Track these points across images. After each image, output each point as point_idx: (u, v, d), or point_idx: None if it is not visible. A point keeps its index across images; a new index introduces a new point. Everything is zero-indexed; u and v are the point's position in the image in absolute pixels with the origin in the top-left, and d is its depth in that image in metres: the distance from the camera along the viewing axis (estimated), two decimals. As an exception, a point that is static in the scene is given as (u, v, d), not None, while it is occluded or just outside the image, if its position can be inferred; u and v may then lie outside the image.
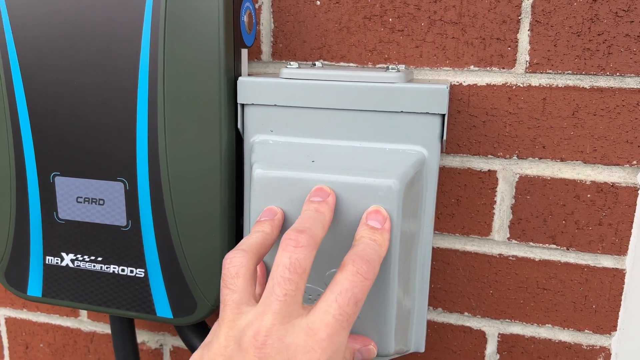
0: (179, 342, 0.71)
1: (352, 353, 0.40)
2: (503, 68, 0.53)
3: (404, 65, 0.51)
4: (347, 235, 0.42)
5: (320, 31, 0.57)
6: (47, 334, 0.77)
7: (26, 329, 0.77)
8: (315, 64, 0.54)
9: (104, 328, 0.74)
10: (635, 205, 0.53)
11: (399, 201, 0.41)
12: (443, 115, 0.44)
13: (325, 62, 0.57)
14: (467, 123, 0.55)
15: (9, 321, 0.78)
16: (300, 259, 0.33)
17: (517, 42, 0.52)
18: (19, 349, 0.79)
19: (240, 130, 0.49)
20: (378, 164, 0.44)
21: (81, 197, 0.52)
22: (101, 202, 0.51)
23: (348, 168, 0.43)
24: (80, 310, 0.74)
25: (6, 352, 0.80)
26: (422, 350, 0.49)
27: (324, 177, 0.42)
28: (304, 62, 0.58)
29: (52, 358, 0.77)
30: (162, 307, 0.53)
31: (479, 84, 0.54)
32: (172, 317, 0.52)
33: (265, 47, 0.59)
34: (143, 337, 0.73)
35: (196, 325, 0.59)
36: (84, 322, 0.74)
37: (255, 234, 0.40)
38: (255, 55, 0.59)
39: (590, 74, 0.51)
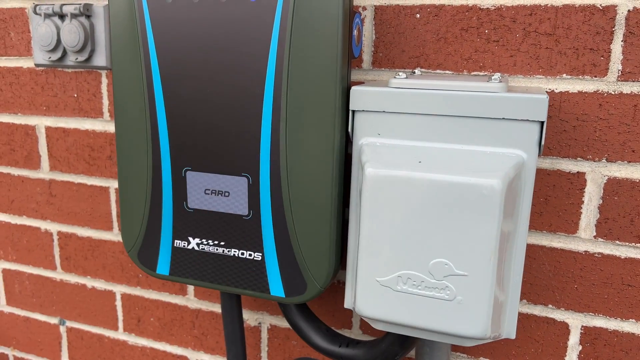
0: (276, 321, 0.79)
1: None
2: (595, 76, 0.56)
3: (499, 74, 0.56)
4: (451, 229, 0.47)
5: (419, 41, 0.62)
6: (157, 310, 0.86)
7: (139, 304, 0.87)
8: (414, 72, 0.60)
9: (208, 306, 0.82)
10: None
11: (501, 200, 0.46)
12: (542, 122, 0.48)
13: (423, 70, 0.62)
14: (558, 127, 0.59)
15: (124, 297, 0.88)
16: None
17: (610, 52, 0.55)
18: (132, 322, 0.89)
19: (350, 133, 0.55)
20: (481, 165, 0.48)
21: (209, 190, 0.60)
22: (226, 194, 0.59)
23: (453, 168, 0.48)
24: (187, 289, 0.83)
25: (120, 324, 0.90)
26: (513, 337, 0.54)
27: (431, 176, 0.48)
28: (403, 70, 0.63)
29: (161, 331, 0.87)
30: (276, 287, 0.60)
31: (570, 91, 0.58)
32: (284, 296, 0.60)
33: (366, 56, 0.65)
34: (244, 315, 0.81)
35: (301, 305, 0.66)
36: (190, 300, 0.83)
37: None
38: (356, 63, 0.65)
39: (683, 83, 0.54)
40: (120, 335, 0.91)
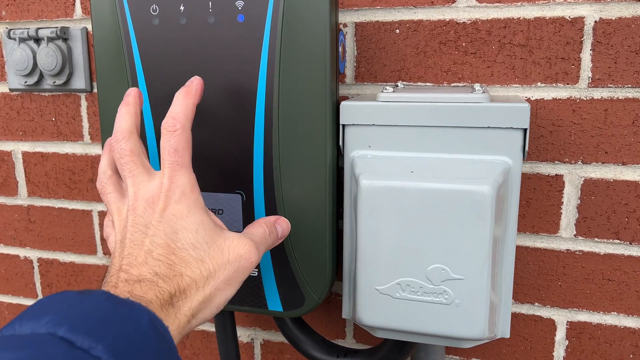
0: (269, 336, 0.79)
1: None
2: (568, 84, 0.60)
3: (480, 84, 0.58)
4: (446, 235, 0.49)
5: (400, 55, 0.64)
6: (145, 332, 0.85)
7: (126, 328, 0.86)
8: (397, 85, 0.62)
9: (199, 325, 0.82)
10: (692, 202, 0.59)
11: (491, 205, 0.48)
12: (525, 130, 0.51)
13: (405, 83, 0.65)
14: (535, 133, 0.62)
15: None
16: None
17: (580, 60, 0.59)
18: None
19: (341, 146, 0.57)
20: (470, 173, 0.51)
21: (202, 208, 0.60)
22: (220, 211, 0.59)
23: (444, 176, 0.50)
24: (177, 310, 0.82)
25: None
26: (508, 336, 0.56)
27: (424, 185, 0.50)
28: (385, 83, 0.65)
29: (150, 354, 0.86)
30: (274, 302, 0.60)
31: (545, 99, 0.61)
32: (282, 310, 0.60)
33: (349, 71, 0.67)
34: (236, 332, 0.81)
35: (296, 318, 0.67)
36: (180, 320, 0.83)
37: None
38: (340, 79, 0.67)
39: (648, 87, 0.58)
40: (107, 361, 0.89)
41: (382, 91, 0.55)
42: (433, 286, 0.51)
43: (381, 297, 0.53)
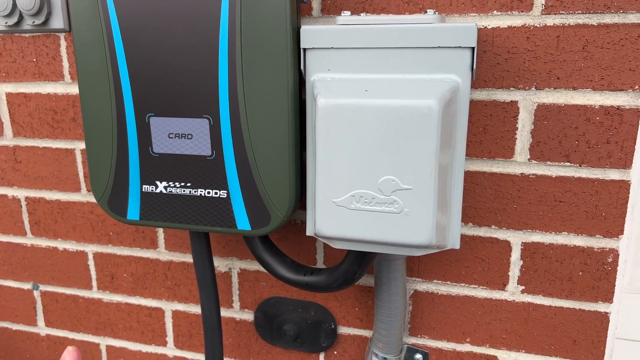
0: (245, 265, 0.83)
1: None
2: (522, 11, 0.62)
3: (432, 10, 0.61)
4: (396, 149, 0.53)
5: (363, -13, 0.66)
6: (129, 265, 0.89)
7: (112, 262, 0.90)
8: (360, 15, 0.64)
9: (179, 257, 0.86)
10: (638, 124, 0.62)
11: (438, 118, 0.52)
12: (473, 48, 0.54)
13: (369, 14, 0.67)
14: (492, 61, 0.64)
15: (97, 256, 0.91)
16: None
17: (533, -12, 0.61)
18: (105, 280, 0.92)
19: (303, 71, 0.60)
20: (420, 90, 0.54)
21: (172, 133, 0.63)
22: (189, 136, 0.63)
23: (395, 94, 0.53)
24: (158, 242, 0.86)
25: (94, 283, 0.93)
26: (457, 247, 0.60)
27: (376, 102, 0.53)
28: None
29: (135, 286, 0.90)
30: (242, 222, 0.64)
31: (501, 27, 0.63)
32: (250, 229, 0.64)
33: (315, 3, 0.69)
34: (215, 262, 0.85)
35: (264, 239, 0.71)
36: (162, 253, 0.87)
37: None
38: (306, 11, 0.69)
39: (598, 12, 0.60)
40: (94, 294, 0.93)
41: (340, 15, 0.58)
42: (384, 197, 0.54)
43: (337, 209, 0.56)
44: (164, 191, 0.66)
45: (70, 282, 0.94)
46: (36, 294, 0.97)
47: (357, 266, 0.64)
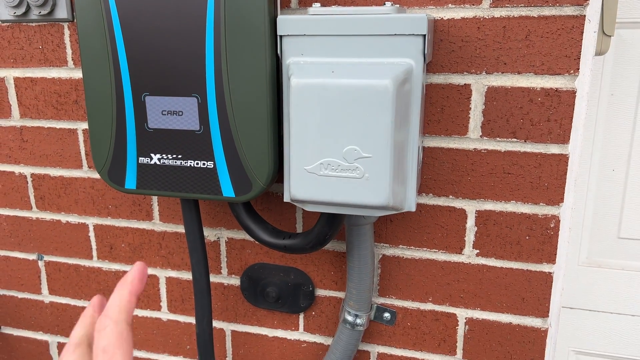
0: (232, 234, 0.92)
1: None
2: (473, 4, 0.71)
3: (390, 2, 0.69)
4: (357, 122, 0.61)
5: (335, -17, 0.75)
6: (127, 236, 0.98)
7: (111, 233, 0.99)
8: (329, 7, 0.73)
9: (172, 228, 0.95)
10: (574, 104, 0.71)
11: (393, 95, 0.60)
12: (424, 36, 0.62)
13: (339, 6, 0.75)
14: (448, 48, 0.73)
15: (97, 227, 0.99)
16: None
17: (483, -16, 0.70)
18: (104, 250, 1.00)
19: (279, 55, 0.68)
20: (378, 72, 0.62)
21: (165, 111, 0.72)
22: (180, 113, 0.71)
23: (357, 75, 0.62)
24: (153, 214, 0.95)
25: (94, 253, 1.01)
26: (413, 209, 0.68)
27: (340, 81, 0.61)
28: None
29: (132, 255, 0.99)
30: (227, 189, 0.73)
31: (455, 18, 0.72)
32: (234, 196, 0.73)
33: (294, -3, 0.77)
34: (204, 232, 0.93)
35: (248, 207, 0.79)
36: (156, 224, 0.96)
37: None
38: (286, 3, 0.78)
39: (538, 6, 0.69)
40: (95, 263, 1.02)
41: (312, 6, 0.66)
42: (348, 164, 0.63)
43: (308, 175, 0.65)
44: (157, 162, 0.74)
45: (72, 253, 1.03)
46: (40, 264, 1.06)
47: (328, 228, 0.73)
